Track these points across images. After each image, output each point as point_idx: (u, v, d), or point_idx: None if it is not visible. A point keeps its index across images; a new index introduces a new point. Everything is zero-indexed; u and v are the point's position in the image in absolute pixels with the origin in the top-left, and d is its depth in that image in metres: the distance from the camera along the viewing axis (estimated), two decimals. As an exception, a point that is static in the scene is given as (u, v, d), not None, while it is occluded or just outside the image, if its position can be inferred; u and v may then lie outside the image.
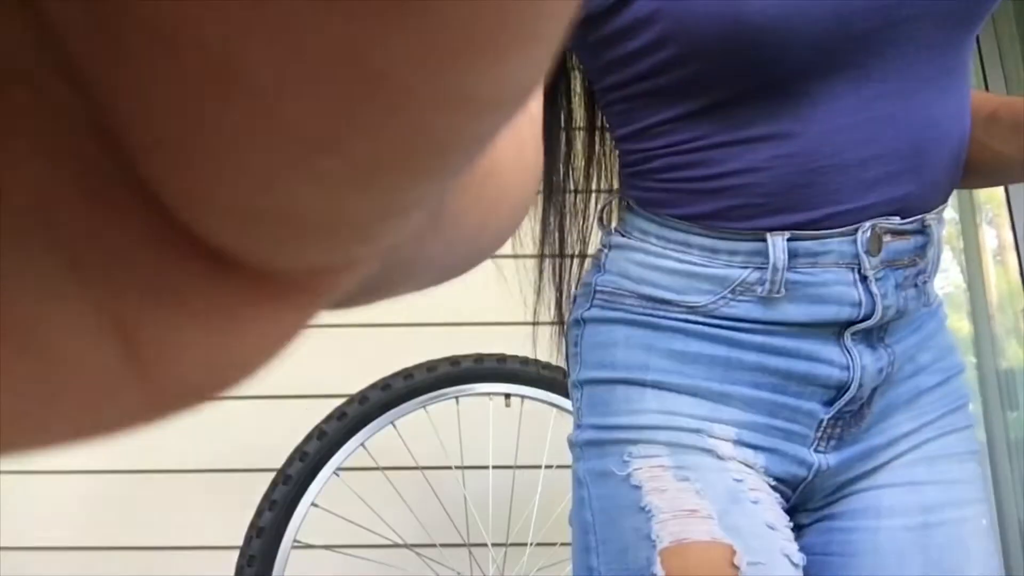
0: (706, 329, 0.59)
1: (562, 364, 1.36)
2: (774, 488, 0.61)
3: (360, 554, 1.51)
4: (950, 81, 0.57)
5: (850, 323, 0.58)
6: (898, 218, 0.57)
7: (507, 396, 1.32)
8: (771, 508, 0.58)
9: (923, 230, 0.58)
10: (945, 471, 0.62)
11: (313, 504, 1.18)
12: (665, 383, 0.59)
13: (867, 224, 0.56)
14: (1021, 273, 2.11)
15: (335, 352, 1.90)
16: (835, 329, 0.58)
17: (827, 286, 0.57)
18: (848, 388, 0.59)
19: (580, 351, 0.64)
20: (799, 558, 0.57)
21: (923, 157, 0.56)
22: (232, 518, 1.37)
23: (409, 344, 1.88)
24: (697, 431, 0.58)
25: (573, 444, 0.64)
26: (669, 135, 0.58)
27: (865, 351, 0.59)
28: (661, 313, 0.60)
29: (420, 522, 1.52)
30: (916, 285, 0.60)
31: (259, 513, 1.15)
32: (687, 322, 0.60)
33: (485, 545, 1.41)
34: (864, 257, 0.56)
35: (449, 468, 1.48)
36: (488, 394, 1.30)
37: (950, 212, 2.24)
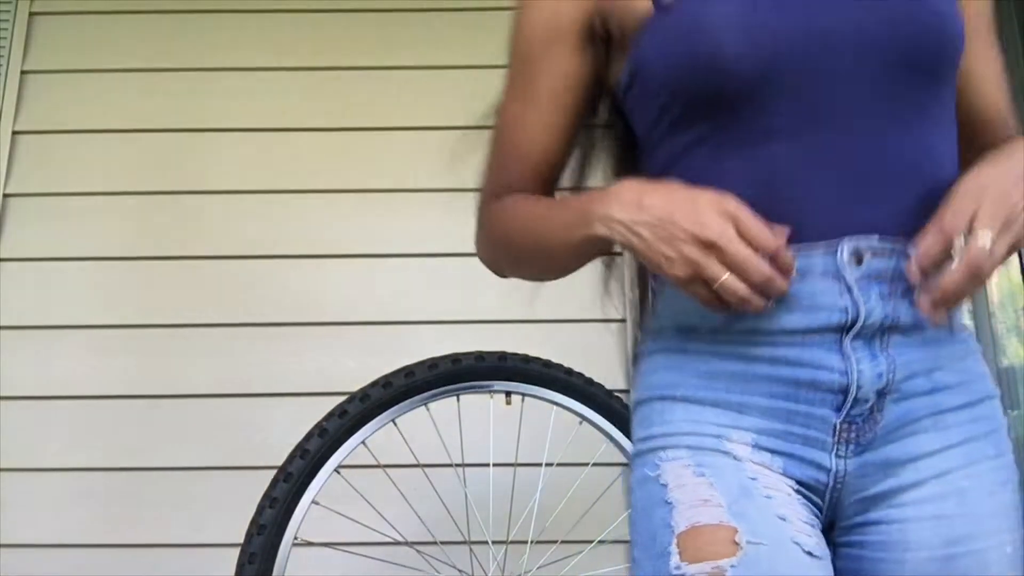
0: (726, 348, 0.68)
1: (562, 362, 1.37)
2: (799, 492, 0.66)
3: (361, 551, 1.51)
4: (913, 121, 0.66)
5: (844, 328, 0.64)
6: (876, 237, 0.64)
7: (508, 394, 1.32)
8: (787, 505, 0.64)
9: (906, 252, 0.64)
10: (976, 505, 0.65)
11: (314, 502, 1.18)
12: (693, 397, 0.68)
13: (846, 240, 0.64)
14: (1022, 271, 2.11)
15: (336, 350, 1.90)
16: (835, 337, 0.65)
17: (816, 296, 0.64)
18: (850, 391, 0.64)
19: (636, 380, 0.76)
20: (818, 550, 0.63)
21: (880, 186, 0.65)
22: (233, 515, 1.37)
23: (410, 342, 1.88)
24: (717, 436, 0.66)
25: (631, 457, 0.74)
26: (675, 169, 0.70)
27: (864, 357, 0.65)
28: (690, 339, 0.70)
29: (421, 519, 1.52)
30: (909, 300, 0.65)
31: (260, 511, 1.15)
32: (710, 343, 0.69)
33: (486, 542, 1.41)
34: (846, 270, 0.64)
35: (450, 466, 1.48)
36: (489, 391, 1.30)
37: (951, 210, 2.24)
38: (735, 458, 0.65)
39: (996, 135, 0.77)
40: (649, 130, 0.74)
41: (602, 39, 0.77)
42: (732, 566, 0.59)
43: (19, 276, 1.94)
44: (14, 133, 2.01)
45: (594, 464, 1.48)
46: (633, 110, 0.76)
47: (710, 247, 0.59)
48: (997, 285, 2.15)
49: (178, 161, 2.02)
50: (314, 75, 2.07)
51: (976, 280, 0.57)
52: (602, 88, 0.80)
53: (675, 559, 0.61)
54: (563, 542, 1.48)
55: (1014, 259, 2.12)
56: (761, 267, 0.59)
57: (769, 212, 0.63)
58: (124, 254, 1.96)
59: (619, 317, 1.88)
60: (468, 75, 2.05)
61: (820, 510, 0.67)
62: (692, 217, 0.60)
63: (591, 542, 1.54)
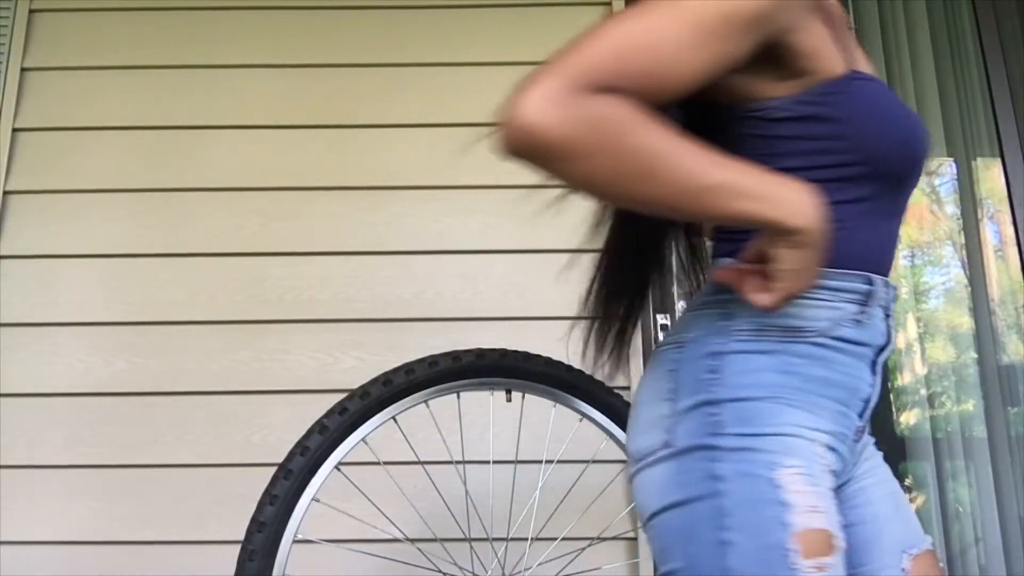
0: (821, 352, 0.83)
1: (562, 359, 1.36)
2: (834, 491, 0.85)
3: (361, 549, 1.51)
4: (900, 217, 0.91)
5: (880, 348, 0.86)
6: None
7: (508, 391, 1.32)
8: (839, 513, 0.84)
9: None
10: (886, 476, 0.98)
11: (314, 499, 1.18)
12: (794, 400, 0.82)
13: (883, 279, 0.86)
14: (1022, 268, 2.11)
15: (336, 347, 1.90)
16: (872, 356, 0.86)
17: (875, 320, 0.86)
18: (870, 400, 0.86)
19: (722, 377, 0.82)
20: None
21: (890, 252, 0.89)
22: (233, 513, 1.38)
23: (410, 339, 1.88)
24: (812, 440, 0.81)
25: (713, 448, 0.80)
26: (845, 214, 0.84)
27: (878, 376, 0.87)
28: (793, 339, 0.83)
29: (421, 517, 1.52)
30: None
31: (260, 508, 1.15)
32: (811, 344, 0.83)
33: (486, 540, 1.41)
34: (891, 303, 0.88)
35: (450, 463, 1.48)
36: (489, 389, 1.30)
37: (952, 207, 2.25)
38: (830, 472, 0.81)
39: None
40: (809, 162, 0.84)
41: (762, 56, 0.81)
42: (831, 564, 0.77)
43: (19, 273, 1.94)
44: (14, 130, 2.01)
45: (594, 461, 1.48)
46: (785, 135, 0.85)
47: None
48: (998, 282, 2.15)
49: (179, 158, 2.02)
50: (315, 72, 2.07)
51: None
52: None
53: (793, 555, 0.76)
54: (563, 539, 1.48)
55: (1015, 255, 2.12)
56: None
57: (879, 260, 0.87)
58: (124, 251, 1.96)
59: (619, 314, 1.88)
60: (467, 73, 2.05)
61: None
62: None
63: (592, 539, 1.54)
